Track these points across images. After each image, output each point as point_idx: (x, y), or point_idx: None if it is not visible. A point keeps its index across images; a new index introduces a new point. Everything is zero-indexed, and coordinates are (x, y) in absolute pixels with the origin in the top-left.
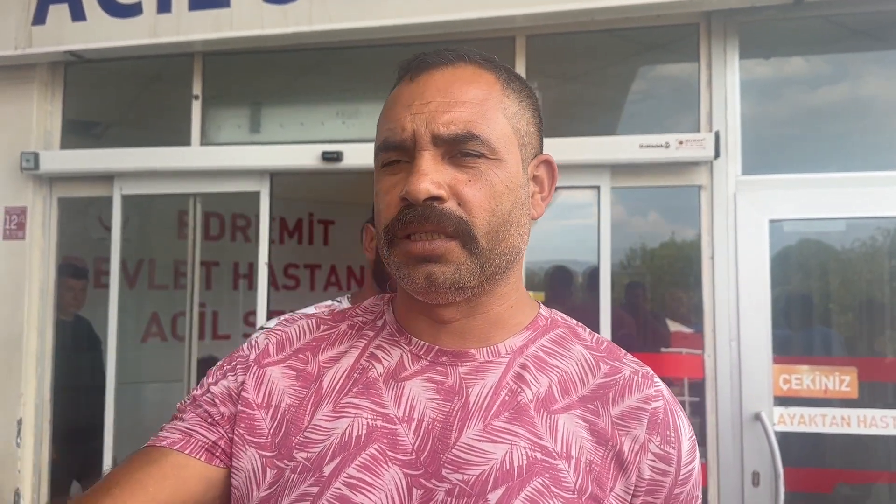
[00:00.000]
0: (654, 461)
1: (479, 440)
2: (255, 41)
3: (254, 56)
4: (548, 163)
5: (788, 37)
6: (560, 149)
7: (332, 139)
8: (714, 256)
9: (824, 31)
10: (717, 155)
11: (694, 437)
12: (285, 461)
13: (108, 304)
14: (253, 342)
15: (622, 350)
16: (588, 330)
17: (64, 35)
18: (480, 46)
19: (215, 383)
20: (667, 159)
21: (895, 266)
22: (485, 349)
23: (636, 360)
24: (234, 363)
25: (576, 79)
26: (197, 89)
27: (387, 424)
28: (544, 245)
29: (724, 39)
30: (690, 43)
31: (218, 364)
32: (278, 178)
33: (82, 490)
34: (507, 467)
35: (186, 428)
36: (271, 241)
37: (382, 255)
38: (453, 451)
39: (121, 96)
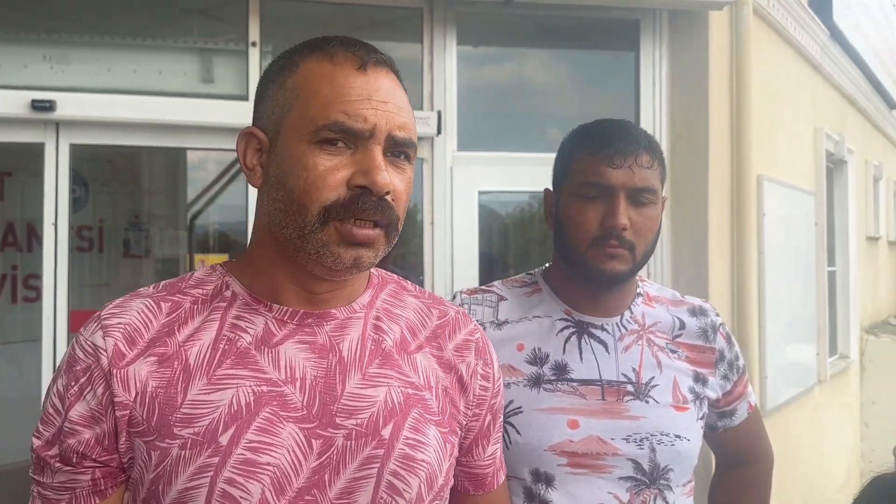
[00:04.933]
0: (481, 380)
1: (362, 387)
2: None
3: None
4: None
5: (499, 29)
6: None
7: (41, 86)
8: (434, 222)
9: (528, 27)
10: (438, 132)
11: (497, 357)
12: (167, 440)
13: None
14: (89, 347)
15: (439, 296)
16: (409, 282)
17: None
18: (213, 2)
19: (71, 407)
20: None
21: None
22: (342, 308)
23: (451, 303)
24: (86, 377)
25: None
26: None
27: (272, 388)
28: None
29: (444, 26)
30: (415, 25)
31: (56, 390)
32: None
33: None
34: (391, 406)
35: (63, 484)
36: None
37: (302, 230)
38: (342, 400)
39: None
